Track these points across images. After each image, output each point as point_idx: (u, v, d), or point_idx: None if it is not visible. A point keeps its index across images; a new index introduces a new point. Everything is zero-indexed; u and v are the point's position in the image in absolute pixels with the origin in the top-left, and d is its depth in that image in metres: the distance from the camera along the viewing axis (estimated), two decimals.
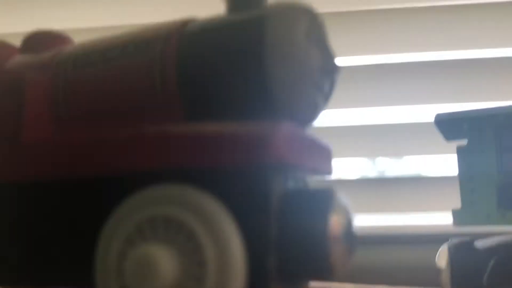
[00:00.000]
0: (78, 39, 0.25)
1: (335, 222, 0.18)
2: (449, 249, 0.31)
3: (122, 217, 0.18)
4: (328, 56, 0.20)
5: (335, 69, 0.20)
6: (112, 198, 0.19)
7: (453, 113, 0.32)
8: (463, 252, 0.31)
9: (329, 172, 0.22)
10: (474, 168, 0.31)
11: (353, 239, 0.19)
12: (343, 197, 0.19)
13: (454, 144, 0.32)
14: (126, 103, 0.20)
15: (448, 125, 0.32)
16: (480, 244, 0.31)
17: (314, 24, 0.20)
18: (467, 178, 0.31)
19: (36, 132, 0.21)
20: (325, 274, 0.18)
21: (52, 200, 0.21)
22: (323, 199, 0.18)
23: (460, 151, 0.32)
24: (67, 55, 0.23)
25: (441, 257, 0.32)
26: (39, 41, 0.25)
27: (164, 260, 0.16)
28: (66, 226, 0.20)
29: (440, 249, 0.32)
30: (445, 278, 0.31)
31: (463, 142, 0.32)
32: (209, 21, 0.21)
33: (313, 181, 0.22)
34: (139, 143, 0.18)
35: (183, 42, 0.20)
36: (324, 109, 0.21)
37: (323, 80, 0.20)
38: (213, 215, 0.17)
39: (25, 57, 0.24)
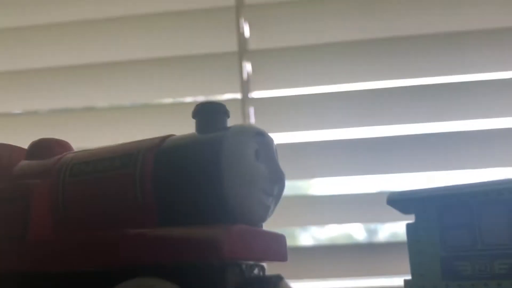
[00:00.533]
0: None
1: None
2: None
3: None
4: (275, 167, 0.25)
5: (281, 177, 0.25)
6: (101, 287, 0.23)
7: (403, 193, 0.37)
8: None
9: (283, 257, 0.27)
10: (420, 243, 0.35)
11: None
12: (287, 283, 0.24)
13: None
14: (112, 208, 0.25)
15: (399, 204, 0.37)
16: None
17: (262, 144, 0.25)
18: (415, 252, 0.35)
19: (39, 231, 0.26)
20: None
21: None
22: (269, 286, 0.23)
23: (408, 228, 0.36)
24: (66, 164, 0.28)
25: None
26: (42, 148, 0.30)
27: None
28: None
29: None
30: None
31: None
32: (181, 139, 0.26)
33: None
34: (121, 244, 0.23)
35: (158, 158, 0.25)
36: (274, 209, 0.26)
37: (271, 187, 0.25)
38: None
39: (30, 164, 0.29)
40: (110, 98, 0.64)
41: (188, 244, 0.22)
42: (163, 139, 0.26)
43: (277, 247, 0.26)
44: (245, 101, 0.58)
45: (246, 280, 0.23)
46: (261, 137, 0.25)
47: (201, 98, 0.61)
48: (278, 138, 0.61)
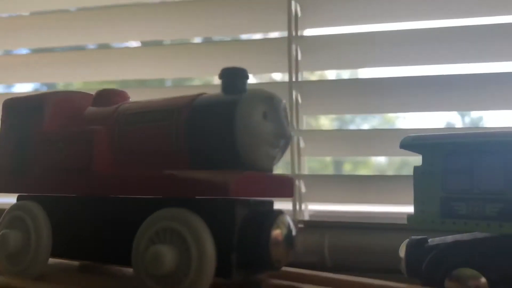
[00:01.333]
0: None
1: (276, 234, 0.29)
2: (407, 245, 0.41)
3: (148, 225, 0.30)
4: (280, 125, 0.31)
5: (285, 132, 0.31)
6: (144, 212, 0.31)
7: (414, 138, 0.41)
8: (416, 247, 0.40)
9: (288, 195, 0.33)
10: (424, 184, 0.40)
11: (292, 244, 0.31)
12: (287, 217, 0.30)
13: None
14: (154, 152, 0.32)
15: (410, 148, 0.42)
16: (430, 241, 0.40)
17: (270, 106, 0.31)
18: (419, 191, 0.40)
19: (101, 166, 0.34)
20: (268, 268, 0.30)
21: (110, 209, 0.34)
22: (269, 218, 0.30)
23: (415, 170, 0.41)
24: (122, 113, 0.35)
25: (402, 250, 0.42)
26: (104, 97, 0.38)
27: (168, 254, 0.28)
28: (117, 226, 0.33)
29: (401, 244, 0.42)
30: (403, 266, 0.41)
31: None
32: (208, 99, 0.32)
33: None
34: (159, 181, 0.31)
35: (190, 114, 0.32)
36: (280, 159, 0.32)
37: (277, 141, 0.31)
38: (197, 229, 0.29)
39: (95, 111, 0.37)
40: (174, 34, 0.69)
41: (207, 184, 0.29)
42: (195, 97, 0.33)
43: (281, 187, 0.33)
44: (291, 40, 0.61)
45: (252, 213, 0.30)
46: (270, 100, 0.31)
47: (250, 36, 0.66)
48: (325, 74, 0.65)
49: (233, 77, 0.32)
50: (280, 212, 0.30)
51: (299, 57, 0.62)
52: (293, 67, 0.60)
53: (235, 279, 0.29)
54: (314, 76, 0.67)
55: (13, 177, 0.38)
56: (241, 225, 0.29)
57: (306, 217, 0.58)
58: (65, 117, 0.37)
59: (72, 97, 0.39)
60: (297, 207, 0.56)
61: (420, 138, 0.41)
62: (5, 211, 0.38)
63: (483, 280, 0.33)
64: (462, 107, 0.61)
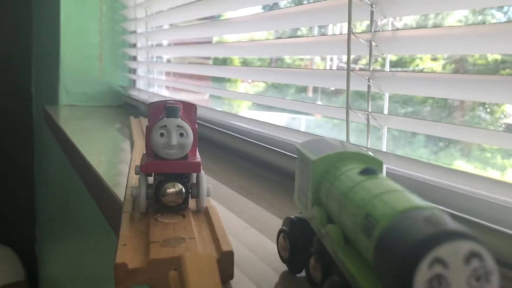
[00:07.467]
0: None
1: (169, 190, 0.64)
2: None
3: None
4: (169, 140, 0.63)
5: (174, 143, 0.63)
6: None
7: (302, 144, 0.61)
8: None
9: (196, 171, 0.65)
10: (298, 169, 0.60)
11: (182, 194, 0.64)
12: (179, 184, 0.64)
13: None
14: None
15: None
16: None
17: (166, 130, 0.63)
18: (296, 180, 0.61)
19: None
20: (163, 204, 0.65)
21: None
22: (164, 182, 0.64)
23: (296, 164, 0.61)
24: None
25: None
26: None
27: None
28: None
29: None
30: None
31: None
32: None
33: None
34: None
35: None
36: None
37: (170, 147, 0.63)
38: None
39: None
40: None
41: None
42: None
43: (191, 167, 0.64)
44: None
45: (166, 178, 0.65)
46: (165, 127, 0.63)
47: None
48: None
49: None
50: (169, 181, 0.64)
51: None
52: None
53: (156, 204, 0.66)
54: None
55: None
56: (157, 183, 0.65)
57: None
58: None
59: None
60: None
61: (298, 145, 0.61)
62: None
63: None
64: None
